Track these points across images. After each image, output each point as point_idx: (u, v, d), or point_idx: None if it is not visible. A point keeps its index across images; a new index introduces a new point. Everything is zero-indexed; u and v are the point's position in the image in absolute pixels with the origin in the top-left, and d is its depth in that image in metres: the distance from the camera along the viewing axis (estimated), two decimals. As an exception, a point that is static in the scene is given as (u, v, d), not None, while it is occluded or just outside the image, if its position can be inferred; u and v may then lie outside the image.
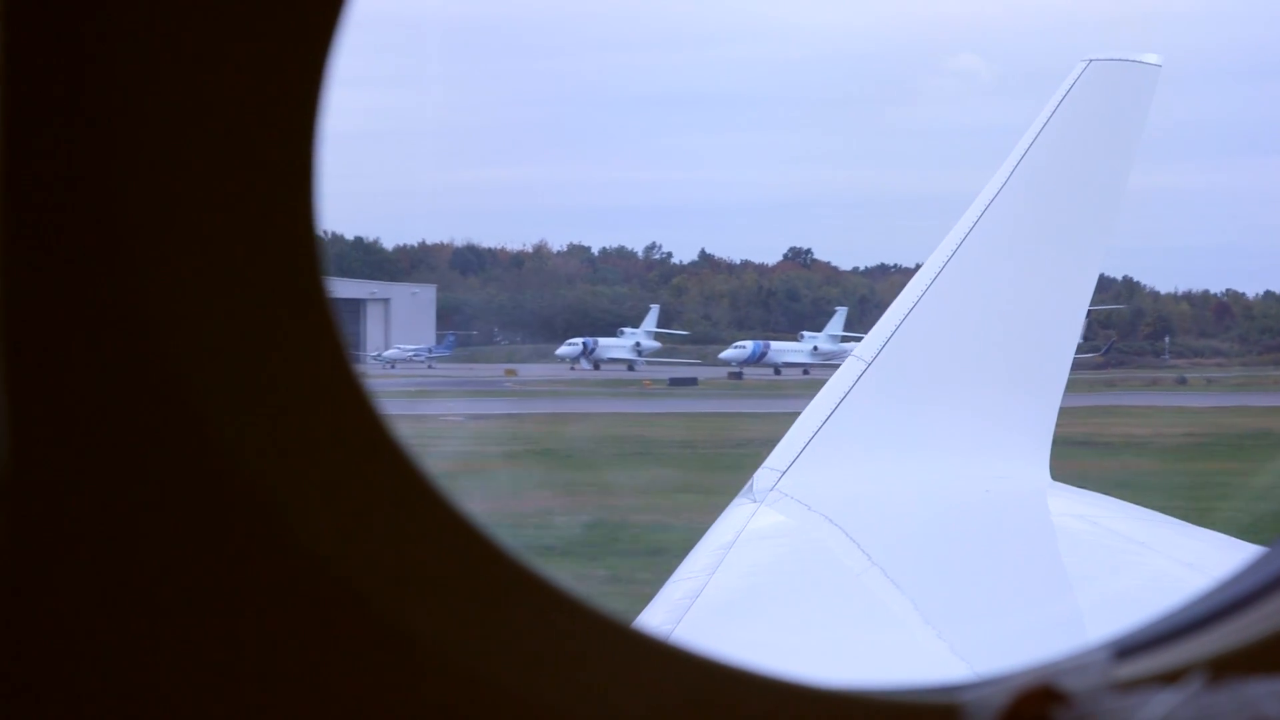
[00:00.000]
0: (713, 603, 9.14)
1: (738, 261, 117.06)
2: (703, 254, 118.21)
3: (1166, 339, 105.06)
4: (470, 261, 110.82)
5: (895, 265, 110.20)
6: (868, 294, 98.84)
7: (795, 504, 10.85)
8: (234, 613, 2.20)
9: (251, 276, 2.17)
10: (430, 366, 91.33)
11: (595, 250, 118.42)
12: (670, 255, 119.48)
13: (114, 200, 2.11)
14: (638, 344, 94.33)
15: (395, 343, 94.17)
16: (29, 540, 2.14)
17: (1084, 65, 13.14)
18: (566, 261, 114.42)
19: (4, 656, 2.14)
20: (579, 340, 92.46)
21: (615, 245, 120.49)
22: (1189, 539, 11.04)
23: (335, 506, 2.23)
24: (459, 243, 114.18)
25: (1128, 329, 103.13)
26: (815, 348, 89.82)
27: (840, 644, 9.11)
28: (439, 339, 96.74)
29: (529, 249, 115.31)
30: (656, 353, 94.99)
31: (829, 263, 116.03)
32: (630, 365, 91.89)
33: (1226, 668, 2.57)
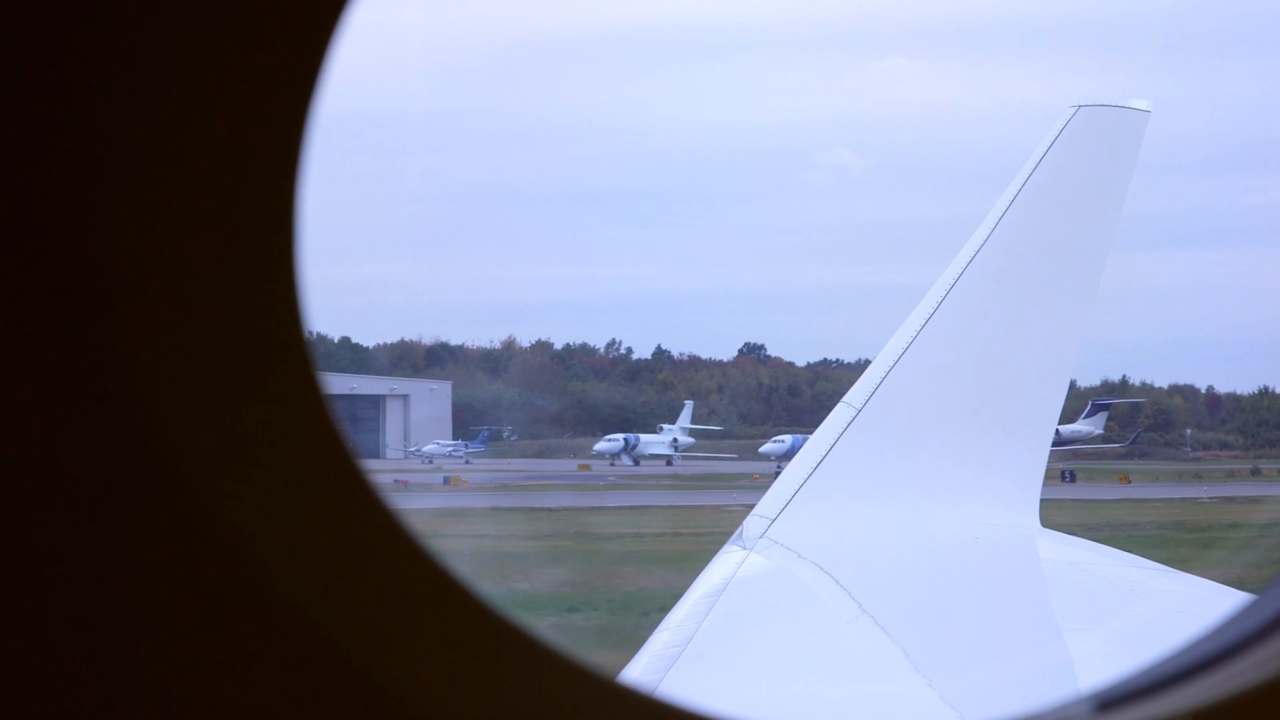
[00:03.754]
0: (701, 651, 9.11)
1: (691, 357, 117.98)
2: (659, 349, 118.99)
3: (1189, 431, 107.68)
4: (442, 358, 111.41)
5: (837, 360, 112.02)
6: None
7: (785, 551, 10.82)
8: (217, 668, 2.19)
9: (234, 333, 2.17)
10: (468, 462, 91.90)
11: (558, 345, 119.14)
12: (630, 351, 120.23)
13: (95, 256, 2.11)
14: (675, 440, 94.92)
15: (416, 438, 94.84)
16: (6, 600, 2.13)
17: (1073, 111, 13.14)
18: (535, 356, 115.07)
19: None
20: (619, 436, 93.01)
21: (579, 341, 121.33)
22: (1177, 586, 11.03)
23: (319, 562, 2.23)
24: (427, 340, 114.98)
25: (1126, 420, 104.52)
26: None
27: (830, 692, 9.09)
28: (474, 434, 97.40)
29: (498, 345, 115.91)
30: (690, 448, 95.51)
31: (781, 358, 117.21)
32: (668, 460, 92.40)
33: (1211, 719, 2.55)
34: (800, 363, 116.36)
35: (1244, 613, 2.91)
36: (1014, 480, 12.29)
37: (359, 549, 2.26)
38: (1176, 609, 10.01)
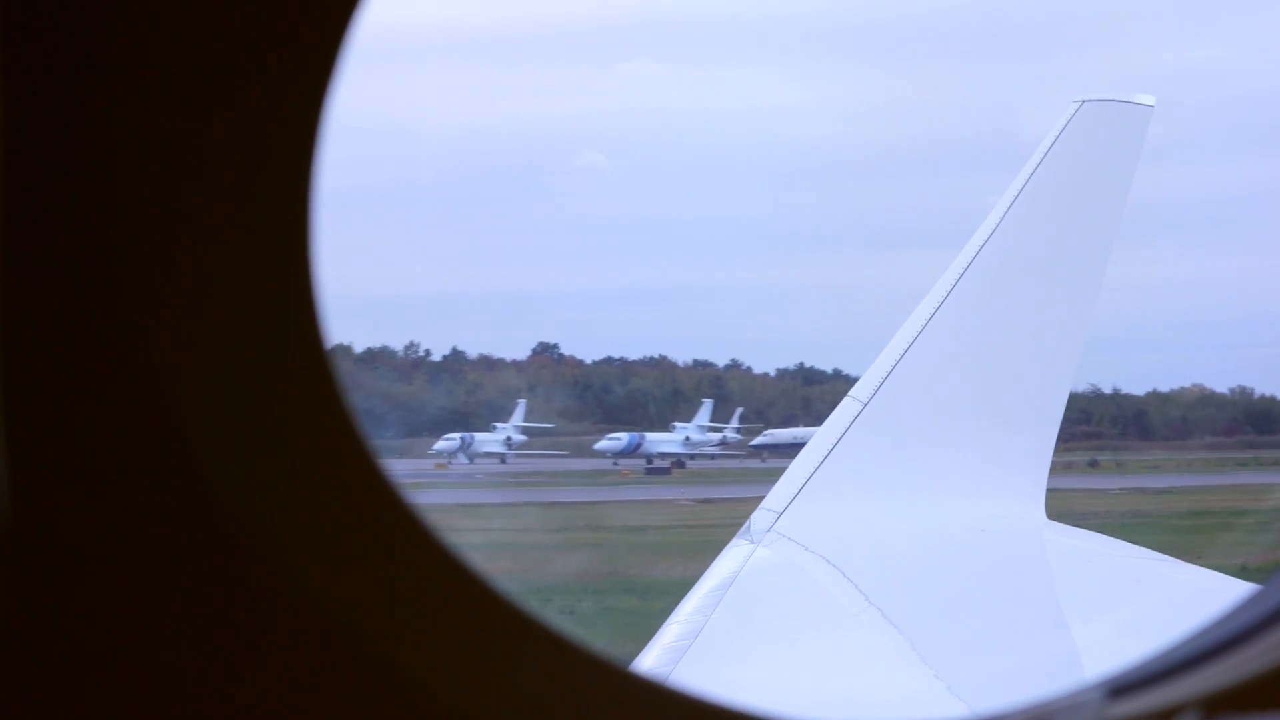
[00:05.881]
0: (711, 643, 9.11)
1: (483, 356, 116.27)
2: (454, 350, 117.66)
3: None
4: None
5: (621, 358, 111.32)
6: (675, 386, 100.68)
7: (792, 544, 10.79)
8: (239, 659, 2.22)
9: (252, 331, 2.19)
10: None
11: (358, 349, 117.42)
12: (429, 353, 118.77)
13: (115, 256, 2.13)
14: (509, 438, 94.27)
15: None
16: (31, 592, 2.16)
17: (1076, 106, 13.11)
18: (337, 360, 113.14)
19: (8, 704, 2.16)
20: (456, 435, 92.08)
21: (379, 345, 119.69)
22: (1183, 576, 11.01)
23: (335, 552, 2.25)
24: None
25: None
26: (687, 438, 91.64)
27: (838, 684, 9.08)
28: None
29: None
30: (523, 445, 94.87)
31: (574, 356, 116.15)
32: (502, 459, 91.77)
33: (1219, 705, 2.63)
34: (588, 360, 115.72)
35: (1251, 601, 2.93)
36: (1020, 472, 12.26)
37: (378, 543, 2.27)
38: (1183, 598, 9.99)
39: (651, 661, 8.84)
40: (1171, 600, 10.10)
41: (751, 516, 11.21)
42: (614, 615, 32.64)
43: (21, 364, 2.13)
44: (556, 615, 33.92)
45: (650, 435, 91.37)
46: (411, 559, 2.31)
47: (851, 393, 12.23)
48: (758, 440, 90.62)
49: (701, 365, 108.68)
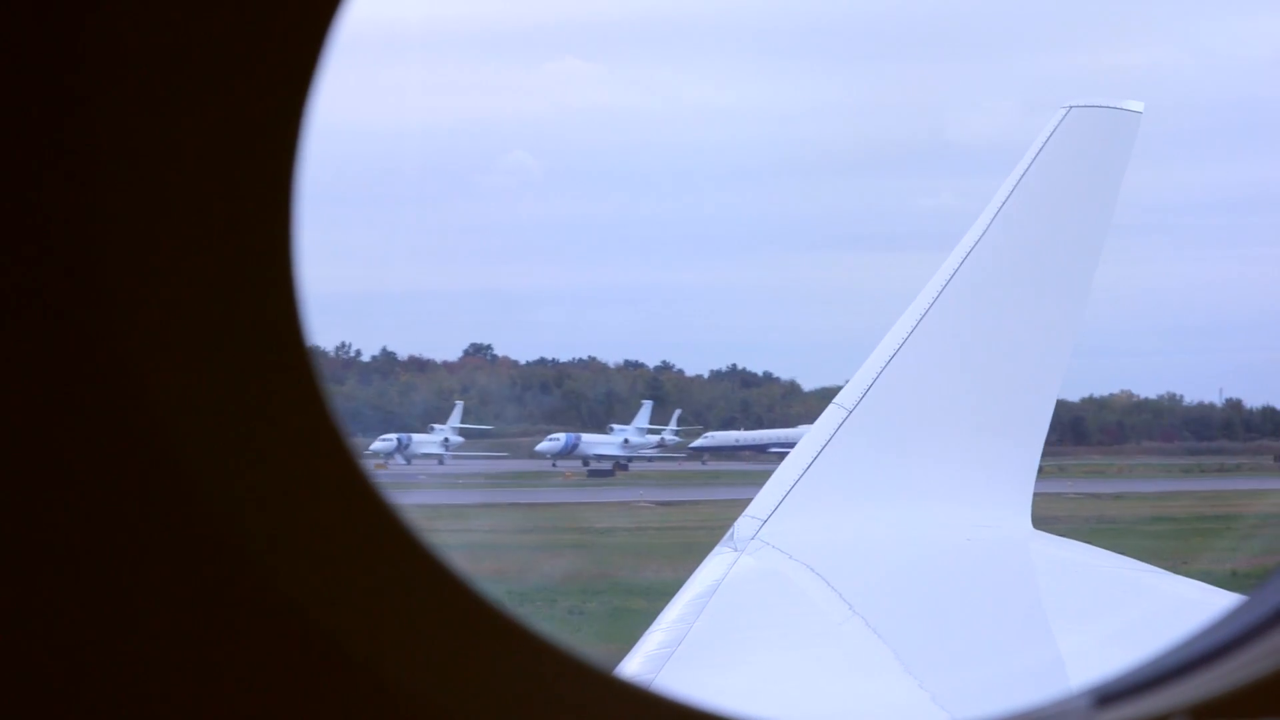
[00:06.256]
0: (694, 651, 9.13)
1: (413, 358, 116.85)
2: (384, 350, 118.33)
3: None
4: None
5: (553, 359, 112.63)
6: (612, 387, 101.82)
7: (777, 552, 10.84)
8: (218, 662, 2.21)
9: (233, 331, 2.19)
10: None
11: None
12: (360, 353, 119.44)
13: (95, 254, 2.11)
14: (446, 439, 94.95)
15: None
16: (8, 596, 2.14)
17: (1064, 112, 13.17)
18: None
19: None
20: (393, 436, 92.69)
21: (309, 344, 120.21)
22: (1169, 586, 11.09)
23: (317, 554, 2.24)
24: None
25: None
26: (626, 440, 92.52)
27: (822, 694, 9.10)
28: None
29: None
30: (460, 446, 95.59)
31: (508, 357, 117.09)
32: (440, 460, 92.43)
33: (1208, 714, 2.64)
34: (523, 361, 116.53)
35: (1240, 609, 2.96)
36: (1006, 481, 12.32)
37: (361, 545, 2.27)
38: (1168, 609, 10.07)
39: (634, 669, 8.85)
40: (1157, 610, 10.17)
41: (735, 524, 11.22)
42: (626, 616, 32.81)
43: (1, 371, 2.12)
44: (565, 617, 34.25)
45: (587, 437, 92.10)
46: (395, 562, 2.30)
47: (836, 400, 12.25)
48: (698, 442, 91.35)
49: (633, 366, 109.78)
